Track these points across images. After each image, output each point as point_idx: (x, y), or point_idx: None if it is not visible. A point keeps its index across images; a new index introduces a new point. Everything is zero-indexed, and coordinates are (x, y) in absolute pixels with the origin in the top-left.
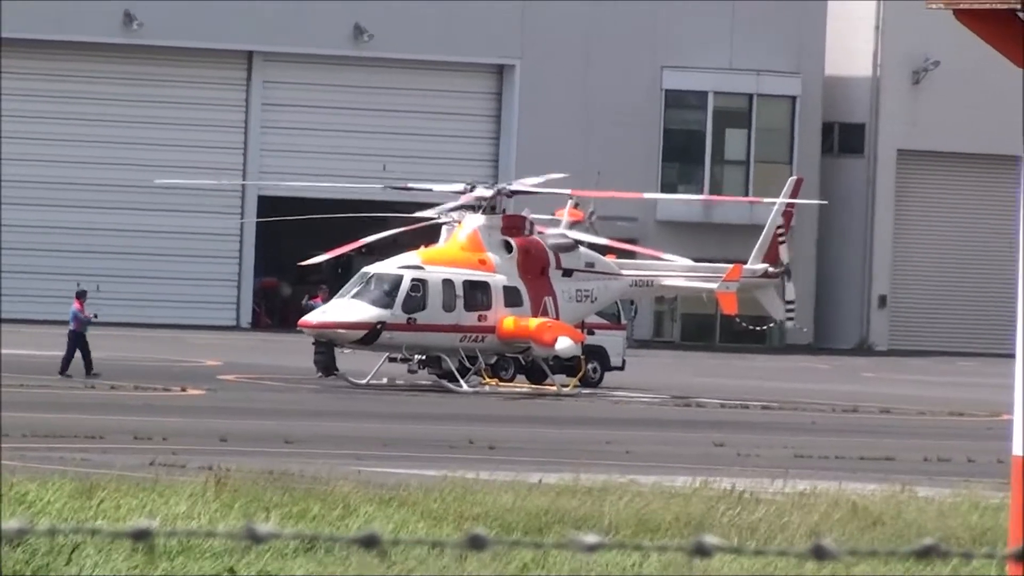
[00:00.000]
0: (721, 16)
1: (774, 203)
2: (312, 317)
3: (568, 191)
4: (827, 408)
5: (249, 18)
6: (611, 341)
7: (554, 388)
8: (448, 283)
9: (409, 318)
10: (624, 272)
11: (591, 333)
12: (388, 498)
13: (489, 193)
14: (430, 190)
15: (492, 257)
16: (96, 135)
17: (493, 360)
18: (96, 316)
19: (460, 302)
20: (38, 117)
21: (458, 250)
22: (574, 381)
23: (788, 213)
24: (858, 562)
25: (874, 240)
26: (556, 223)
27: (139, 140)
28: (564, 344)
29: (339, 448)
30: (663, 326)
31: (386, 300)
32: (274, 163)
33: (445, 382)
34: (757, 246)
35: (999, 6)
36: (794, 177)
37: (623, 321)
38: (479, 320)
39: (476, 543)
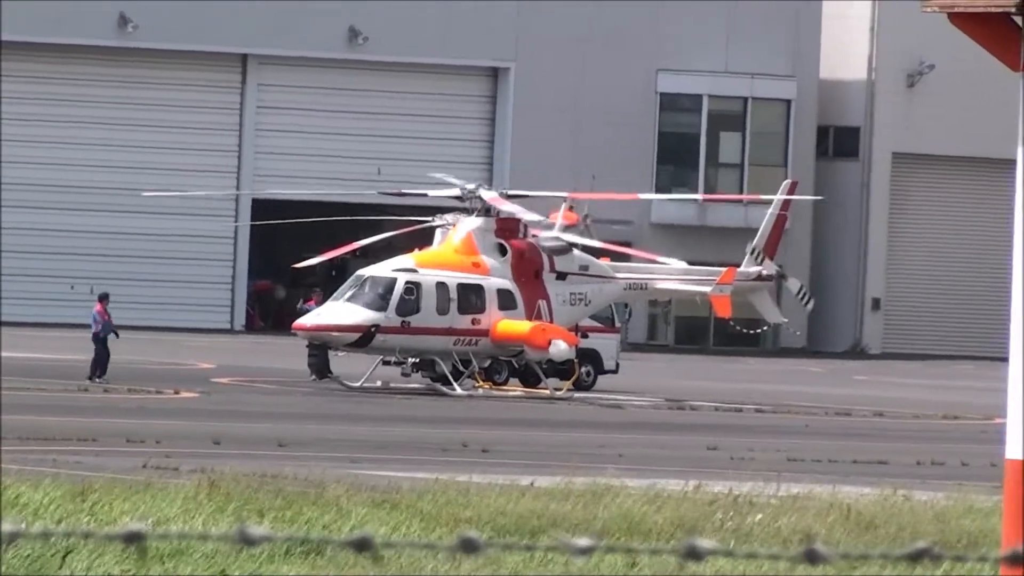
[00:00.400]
0: (716, 19)
1: (771, 199)
2: (306, 320)
3: (564, 193)
4: (820, 411)
5: (244, 21)
6: (605, 344)
7: (547, 391)
8: (442, 286)
9: (403, 321)
10: (618, 275)
11: (585, 336)
12: (381, 501)
13: (488, 194)
14: (425, 195)
15: (486, 260)
16: (90, 137)
17: (487, 363)
18: (117, 335)
19: (454, 305)
20: (32, 120)
21: (452, 253)
22: (567, 384)
23: (782, 217)
24: (852, 566)
25: (868, 243)
26: (550, 226)
27: (133, 143)
28: (558, 347)
29: (332, 451)
30: (657, 329)
31: (380, 303)
32: (268, 166)
33: (439, 385)
34: (751, 248)
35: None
36: (789, 181)
37: (617, 324)
38: (473, 323)
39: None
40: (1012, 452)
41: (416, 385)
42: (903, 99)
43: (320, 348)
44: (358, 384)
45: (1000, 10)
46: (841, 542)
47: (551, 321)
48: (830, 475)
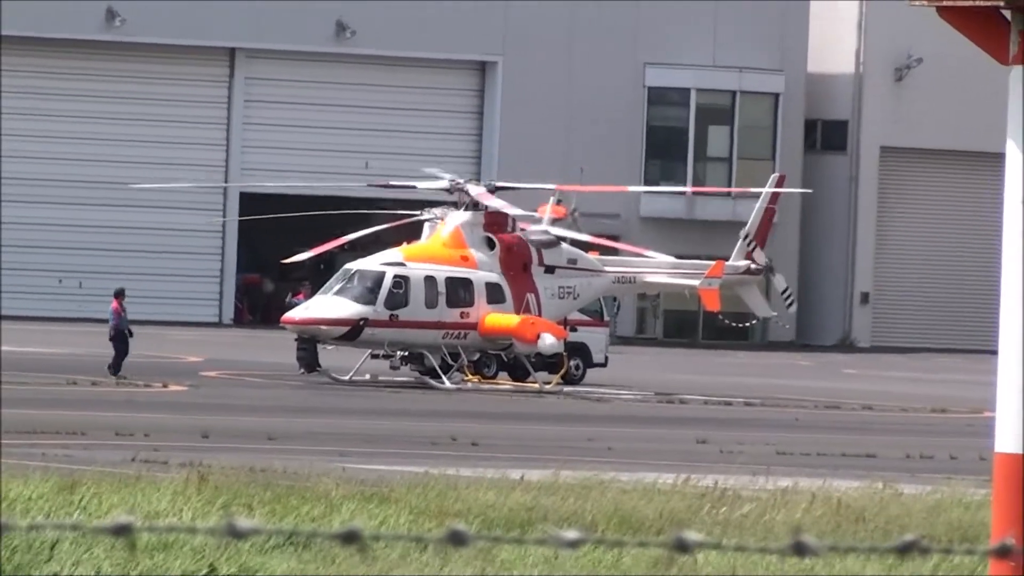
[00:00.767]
0: (704, 13)
1: (759, 192)
2: (295, 313)
3: (551, 186)
4: (809, 405)
5: (231, 15)
6: (594, 338)
7: (536, 385)
8: (430, 280)
9: (391, 315)
10: (607, 269)
11: (574, 330)
12: (370, 494)
13: (476, 189)
14: (414, 187)
15: (474, 254)
16: (77, 132)
17: (475, 357)
18: (131, 334)
19: (442, 299)
20: (19, 114)
21: (440, 247)
22: (556, 378)
23: (770, 211)
24: (840, 559)
25: (857, 237)
26: (539, 220)
27: (121, 136)
28: (547, 341)
29: (321, 444)
30: (646, 323)
31: (368, 297)
32: (256, 159)
33: (427, 379)
34: (739, 243)
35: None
36: (776, 174)
37: (606, 318)
38: (461, 317)
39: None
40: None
41: (405, 379)
42: (891, 93)
43: (309, 342)
44: (347, 378)
45: (988, 3)
46: (830, 535)
47: (540, 315)
48: (819, 468)
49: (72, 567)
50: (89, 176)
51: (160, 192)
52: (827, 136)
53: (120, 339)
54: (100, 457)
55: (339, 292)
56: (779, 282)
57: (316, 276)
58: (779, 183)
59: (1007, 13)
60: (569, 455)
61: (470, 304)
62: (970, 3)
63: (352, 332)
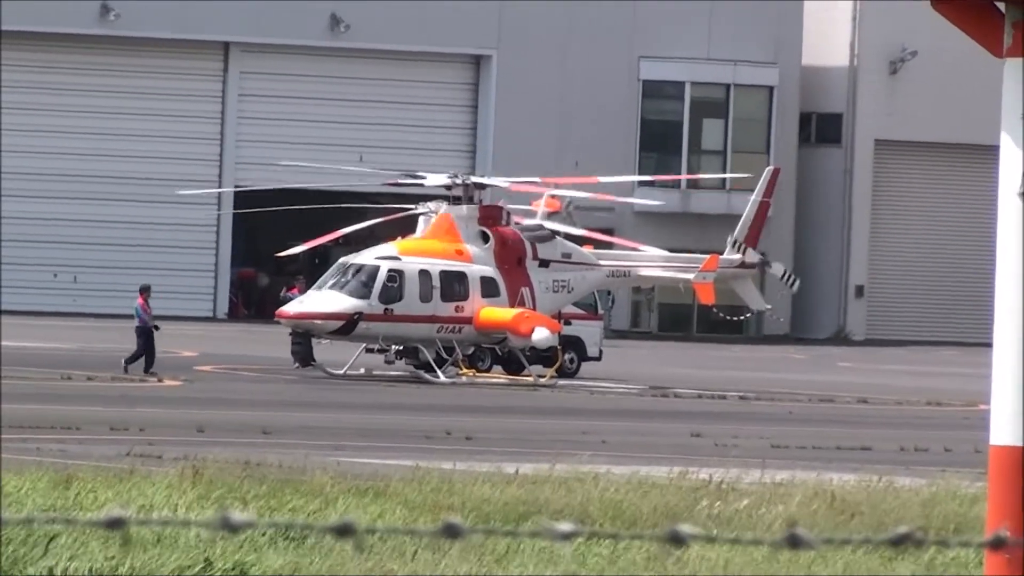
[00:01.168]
0: (698, 6)
1: (745, 176)
2: (289, 308)
3: (536, 179)
4: (804, 398)
5: (226, 9)
6: (588, 331)
7: (531, 379)
8: (425, 274)
9: (386, 309)
10: (601, 262)
11: (568, 323)
12: (365, 488)
13: (474, 180)
14: (422, 184)
15: (469, 248)
16: (71, 126)
17: (470, 351)
18: (158, 328)
19: (437, 293)
20: (12, 108)
21: (435, 241)
22: (551, 372)
23: (765, 205)
24: (835, 551)
25: (851, 230)
26: (533, 214)
27: (115, 131)
28: (541, 335)
29: (316, 439)
30: (640, 316)
31: (363, 291)
32: (250, 154)
33: (422, 373)
34: (733, 235)
35: None
36: (771, 167)
37: (600, 311)
38: (456, 311)
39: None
40: (996, 438)
41: (399, 373)
42: (886, 86)
43: (303, 336)
44: (341, 372)
45: None
46: (825, 528)
47: (534, 308)
48: (814, 462)
49: (68, 561)
50: (81, 170)
51: (154, 186)
52: (822, 129)
53: (144, 335)
54: (95, 452)
55: (334, 286)
56: (777, 269)
57: (311, 270)
58: (774, 175)
59: (1001, 5)
60: (563, 449)
61: (465, 298)
62: None
63: (347, 326)
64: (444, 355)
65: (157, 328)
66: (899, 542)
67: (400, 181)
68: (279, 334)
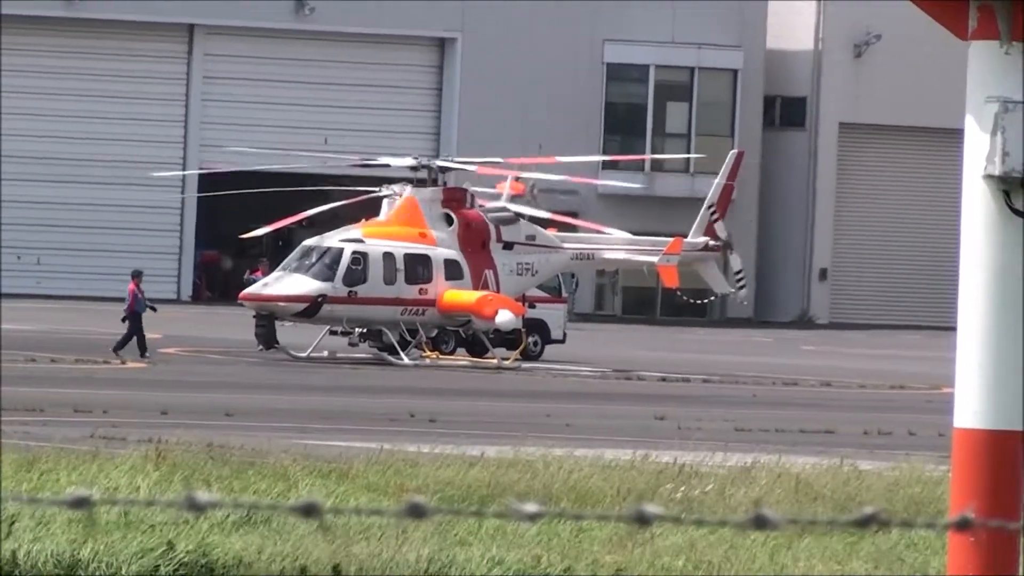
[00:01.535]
0: None
1: (708, 157)
2: (253, 290)
3: (498, 159)
4: (767, 381)
5: None
6: (552, 314)
7: (495, 361)
8: (389, 256)
9: (350, 291)
10: (565, 245)
11: (532, 306)
12: (328, 471)
13: (438, 164)
14: (388, 165)
15: (433, 230)
16: (35, 108)
17: (434, 333)
18: (155, 309)
19: (401, 275)
20: None
21: (399, 223)
22: (515, 354)
23: (728, 188)
24: (800, 533)
25: (815, 213)
26: (497, 196)
27: (79, 113)
28: (505, 317)
29: (280, 421)
30: (604, 299)
31: (327, 273)
32: (214, 136)
33: (386, 355)
34: (698, 219)
35: None
36: (735, 151)
37: (564, 294)
38: (420, 293)
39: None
40: (960, 421)
41: (363, 355)
42: (850, 69)
43: (267, 318)
44: (305, 354)
45: None
46: (789, 512)
47: (498, 291)
48: (777, 445)
49: (31, 543)
50: (45, 152)
51: (118, 168)
52: (786, 112)
53: (133, 320)
54: (59, 434)
55: (298, 269)
56: (735, 262)
57: (274, 253)
58: (738, 158)
59: None
60: (527, 431)
61: (428, 280)
62: None
63: (311, 309)
64: (408, 337)
65: (155, 310)
66: (864, 523)
67: (366, 163)
68: (243, 316)
